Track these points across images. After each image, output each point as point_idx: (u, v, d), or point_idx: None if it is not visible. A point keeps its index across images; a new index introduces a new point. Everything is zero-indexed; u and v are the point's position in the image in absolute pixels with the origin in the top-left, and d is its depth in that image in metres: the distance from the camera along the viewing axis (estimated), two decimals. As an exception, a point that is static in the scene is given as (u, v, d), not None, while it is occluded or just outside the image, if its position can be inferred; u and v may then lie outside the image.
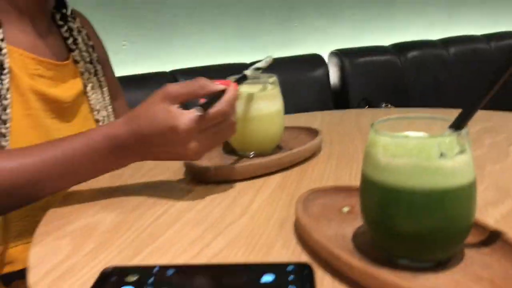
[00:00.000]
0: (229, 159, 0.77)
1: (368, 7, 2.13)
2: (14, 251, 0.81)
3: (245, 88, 0.75)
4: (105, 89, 0.96)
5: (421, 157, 0.40)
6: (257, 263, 0.47)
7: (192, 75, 1.63)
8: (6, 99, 0.73)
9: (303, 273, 0.43)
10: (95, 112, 0.92)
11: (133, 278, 0.44)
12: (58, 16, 0.91)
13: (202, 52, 1.75)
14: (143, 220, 0.59)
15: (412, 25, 2.25)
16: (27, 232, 0.81)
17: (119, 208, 0.62)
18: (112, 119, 0.95)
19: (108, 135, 0.62)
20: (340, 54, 1.96)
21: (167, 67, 1.64)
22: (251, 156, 0.77)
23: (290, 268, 0.44)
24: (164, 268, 0.45)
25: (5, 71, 0.74)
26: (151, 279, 0.43)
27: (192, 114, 0.59)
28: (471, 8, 2.36)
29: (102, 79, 0.95)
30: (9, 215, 0.76)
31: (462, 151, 0.41)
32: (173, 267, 0.45)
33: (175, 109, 0.59)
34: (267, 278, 0.43)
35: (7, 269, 0.80)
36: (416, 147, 0.40)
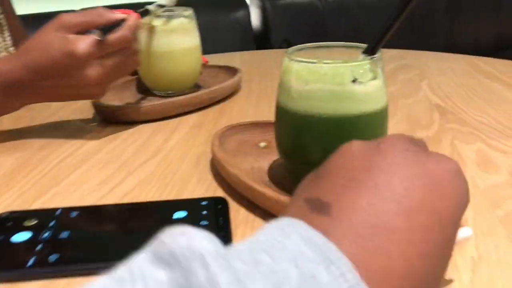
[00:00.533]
0: (143, 99, 0.73)
1: None
2: None
3: (159, 22, 0.70)
4: (5, 28, 0.86)
5: (334, 83, 0.39)
6: (169, 200, 0.45)
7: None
8: None
9: (217, 207, 0.42)
10: None
11: (31, 222, 0.40)
12: None
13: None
14: (46, 162, 0.54)
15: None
16: None
17: (20, 152, 0.57)
18: None
19: (1, 73, 0.55)
20: (262, -5, 1.92)
21: (67, 6, 1.51)
22: (164, 95, 0.74)
23: (203, 203, 0.43)
24: (67, 210, 0.42)
25: None
26: (52, 223, 0.40)
27: (90, 38, 0.54)
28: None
29: (1, 16, 0.85)
30: None
31: (374, 77, 0.40)
32: (77, 209, 0.42)
33: (71, 35, 0.54)
34: (180, 214, 0.41)
35: None
36: (329, 72, 0.39)
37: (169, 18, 0.71)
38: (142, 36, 0.71)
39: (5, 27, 0.86)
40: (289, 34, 1.88)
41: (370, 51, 0.41)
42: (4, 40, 0.85)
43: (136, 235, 0.39)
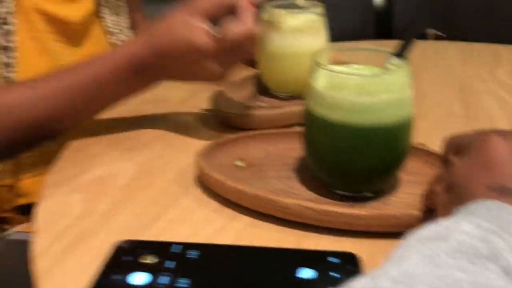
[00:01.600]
0: (261, 101, 0.69)
1: None
2: (25, 183, 0.77)
3: (286, 18, 0.64)
4: (122, 9, 0.85)
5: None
6: (290, 248, 0.40)
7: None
8: (8, 24, 0.66)
9: (347, 267, 0.37)
10: (110, 36, 0.82)
11: (149, 259, 0.38)
12: None
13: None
14: (166, 171, 0.52)
15: None
16: (38, 164, 0.77)
17: (140, 156, 0.56)
18: None
19: (129, 54, 0.57)
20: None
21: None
22: (285, 98, 0.69)
23: (332, 259, 0.38)
24: (187, 247, 0.39)
25: None
26: (172, 264, 0.37)
27: (210, 33, 0.54)
28: None
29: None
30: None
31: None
32: (197, 247, 0.39)
33: (193, 20, 0.54)
34: (305, 272, 0.36)
35: (22, 201, 0.78)
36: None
37: (298, 14, 0.64)
38: (263, 33, 0.66)
39: (122, 8, 0.85)
40: (413, 13, 1.73)
41: (400, 54, 0.42)
42: (121, 21, 0.84)
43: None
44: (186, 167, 0.52)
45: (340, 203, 0.44)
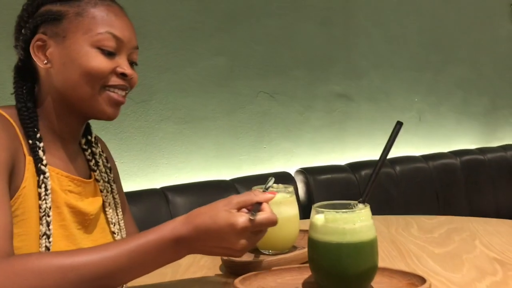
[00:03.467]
0: (256, 256, 0.91)
1: (323, 132, 2.43)
2: None
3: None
4: (118, 205, 1.07)
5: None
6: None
7: (180, 192, 1.77)
8: (49, 216, 0.85)
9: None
10: (112, 225, 1.01)
11: None
12: (83, 141, 1.04)
13: (186, 170, 1.91)
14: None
15: (361, 147, 2.56)
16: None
17: None
18: (124, 232, 1.05)
19: (174, 229, 0.73)
20: (305, 172, 2.20)
21: (155, 184, 1.77)
22: (269, 253, 0.92)
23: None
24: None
25: (48, 191, 0.86)
26: None
27: (246, 216, 0.73)
28: (408, 132, 2.74)
29: (116, 196, 1.07)
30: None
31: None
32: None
33: (234, 211, 0.74)
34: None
35: None
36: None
37: (278, 192, 0.92)
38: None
39: (117, 200, 1.08)
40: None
41: (364, 200, 0.70)
42: (118, 214, 1.05)
43: None
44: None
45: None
